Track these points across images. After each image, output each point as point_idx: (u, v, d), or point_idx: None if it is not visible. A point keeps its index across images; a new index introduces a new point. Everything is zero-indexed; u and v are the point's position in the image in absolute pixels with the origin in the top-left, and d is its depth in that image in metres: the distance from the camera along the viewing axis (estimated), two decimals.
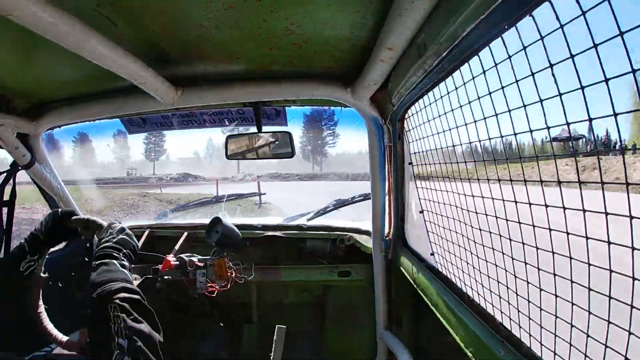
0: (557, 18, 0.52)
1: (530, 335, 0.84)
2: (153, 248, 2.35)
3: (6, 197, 1.68)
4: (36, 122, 1.72)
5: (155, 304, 2.47)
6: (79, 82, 1.47)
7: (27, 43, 1.08)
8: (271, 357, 1.89)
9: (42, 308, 1.43)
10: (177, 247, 2.28)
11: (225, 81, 1.50)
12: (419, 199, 1.70)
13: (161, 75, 1.34)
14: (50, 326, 1.41)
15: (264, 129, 1.78)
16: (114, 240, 1.23)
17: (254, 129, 1.80)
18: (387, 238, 1.97)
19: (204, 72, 1.43)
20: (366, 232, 2.32)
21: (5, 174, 1.67)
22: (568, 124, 0.57)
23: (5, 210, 1.67)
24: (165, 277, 2.07)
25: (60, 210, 1.41)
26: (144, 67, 1.20)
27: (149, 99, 1.46)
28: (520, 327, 0.88)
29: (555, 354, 0.80)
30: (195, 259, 2.09)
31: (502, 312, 0.98)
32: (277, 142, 1.85)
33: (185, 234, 2.39)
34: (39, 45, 1.09)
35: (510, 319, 0.93)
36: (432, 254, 1.56)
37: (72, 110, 1.67)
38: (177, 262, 2.07)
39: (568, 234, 0.68)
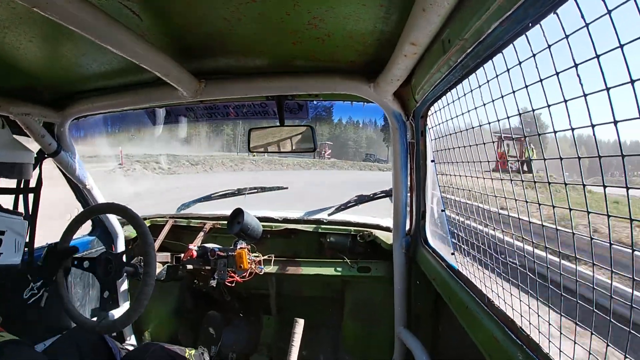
0: (582, 16, 0.49)
1: (549, 341, 0.82)
2: (176, 238, 2.44)
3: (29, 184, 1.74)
4: (63, 112, 1.79)
5: (177, 292, 2.59)
6: (105, 74, 1.51)
7: (56, 36, 1.11)
8: (289, 349, 1.92)
9: (67, 293, 1.53)
10: (199, 237, 2.35)
11: (248, 74, 1.51)
12: (441, 197, 1.68)
13: (185, 67, 1.36)
14: (75, 310, 1.51)
15: (287, 122, 1.79)
16: None
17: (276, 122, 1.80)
18: (408, 235, 1.95)
19: (228, 65, 1.44)
20: (387, 229, 2.30)
21: None
22: (593, 125, 0.55)
23: (31, 196, 1.74)
24: (188, 265, 2.14)
25: (55, 243, 1.52)
26: (168, 59, 1.23)
27: (173, 91, 1.49)
28: (539, 332, 0.86)
29: None
30: (216, 249, 2.15)
31: (522, 316, 0.95)
32: (299, 136, 1.85)
33: (208, 224, 2.45)
34: (67, 38, 1.12)
35: (530, 323, 0.91)
36: (453, 254, 1.54)
37: (97, 101, 1.72)
38: (199, 252, 2.14)
39: (591, 238, 0.65)
